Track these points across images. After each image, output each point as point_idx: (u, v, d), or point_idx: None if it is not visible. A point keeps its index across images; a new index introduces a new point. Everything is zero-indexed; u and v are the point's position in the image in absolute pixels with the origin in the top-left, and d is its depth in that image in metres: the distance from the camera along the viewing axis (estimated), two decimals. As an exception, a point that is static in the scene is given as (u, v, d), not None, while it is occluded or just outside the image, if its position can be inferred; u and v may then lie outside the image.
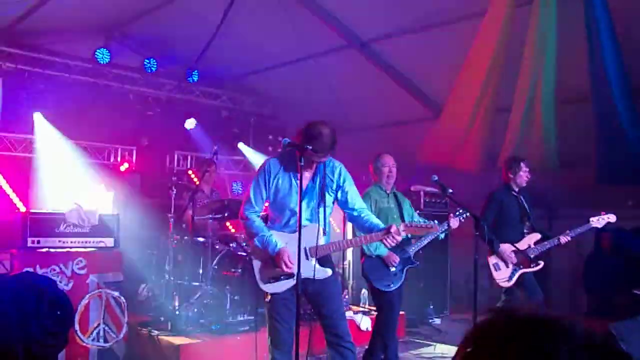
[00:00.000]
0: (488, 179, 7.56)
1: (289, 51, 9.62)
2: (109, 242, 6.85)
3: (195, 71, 10.50)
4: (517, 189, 6.94)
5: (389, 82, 9.42)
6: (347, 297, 8.27)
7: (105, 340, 6.30)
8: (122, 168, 9.97)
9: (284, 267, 4.38)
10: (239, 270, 7.54)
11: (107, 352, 6.33)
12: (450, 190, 5.73)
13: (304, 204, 4.51)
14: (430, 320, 9.42)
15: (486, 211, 6.73)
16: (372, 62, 9.21)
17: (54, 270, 6.18)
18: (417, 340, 8.29)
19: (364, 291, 8.61)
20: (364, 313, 8.10)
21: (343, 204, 4.75)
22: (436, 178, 5.74)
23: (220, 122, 11.62)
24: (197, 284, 7.51)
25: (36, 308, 2.05)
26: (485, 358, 1.19)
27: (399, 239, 4.45)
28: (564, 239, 6.72)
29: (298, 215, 4.25)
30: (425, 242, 6.18)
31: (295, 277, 4.29)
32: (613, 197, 9.25)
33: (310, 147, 4.29)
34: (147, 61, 10.08)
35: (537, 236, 6.89)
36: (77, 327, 6.04)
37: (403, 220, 6.05)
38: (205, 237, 7.69)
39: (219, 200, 8.50)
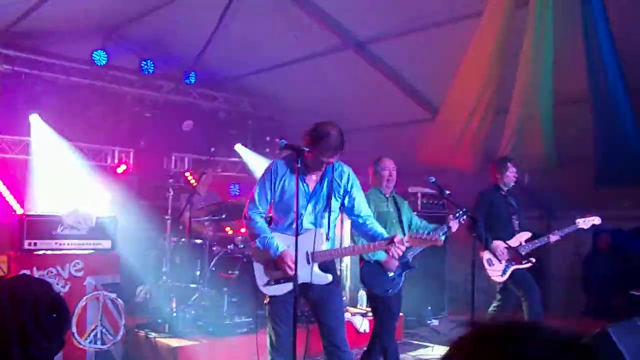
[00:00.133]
0: (486, 180, 7.55)
1: (286, 52, 9.61)
2: (106, 244, 6.85)
3: (193, 73, 10.49)
4: (505, 189, 7.10)
5: (386, 83, 9.41)
6: (344, 299, 8.27)
7: (103, 343, 6.30)
8: (119, 170, 9.94)
9: (287, 270, 4.33)
10: (237, 272, 7.54)
11: (104, 354, 6.33)
12: (448, 192, 5.76)
13: (309, 207, 4.50)
14: (428, 322, 9.43)
15: (476, 210, 6.77)
16: (370, 63, 9.20)
17: (51, 272, 6.18)
18: (415, 342, 8.29)
19: (362, 292, 8.61)
20: (362, 315, 8.09)
21: (349, 210, 4.70)
22: (433, 179, 5.77)
23: (218, 123, 11.60)
24: (194, 285, 7.52)
25: (32, 311, 2.05)
26: None
27: (403, 249, 4.40)
28: (553, 238, 6.89)
29: (295, 217, 4.23)
30: (422, 248, 6.11)
31: (294, 282, 4.26)
32: (611, 198, 9.27)
33: (308, 149, 4.28)
34: (145, 63, 10.06)
35: (527, 234, 7.04)
36: (74, 329, 6.04)
37: (402, 224, 6.06)
38: (203, 239, 7.70)
39: (217, 202, 8.51)
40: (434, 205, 9.76)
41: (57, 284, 6.17)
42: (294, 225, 4.45)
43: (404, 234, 5.98)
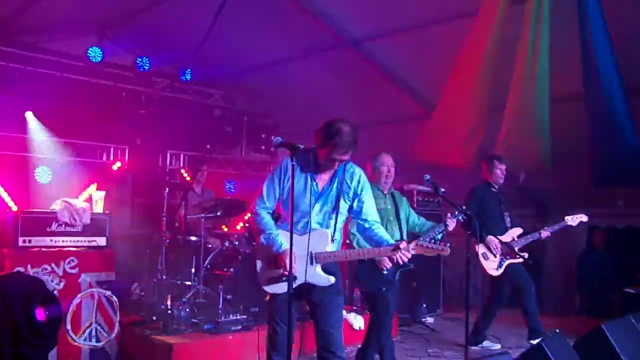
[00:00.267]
0: (481, 177, 7.59)
1: (281, 50, 9.61)
2: (101, 241, 6.83)
3: (188, 70, 10.46)
4: (496, 186, 7.19)
5: (382, 81, 9.42)
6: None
7: (97, 340, 6.29)
8: (115, 167, 9.92)
9: (287, 268, 4.22)
10: (232, 270, 7.53)
11: (99, 352, 6.31)
12: (443, 190, 5.77)
13: (317, 206, 4.44)
14: (423, 319, 9.42)
15: (467, 206, 6.81)
16: (365, 61, 9.20)
17: (46, 269, 6.16)
18: (410, 340, 8.29)
19: (357, 290, 8.61)
20: (357, 312, 8.09)
21: (356, 213, 4.63)
22: (428, 177, 5.77)
23: (213, 120, 11.59)
24: (189, 283, 7.51)
25: (26, 309, 2.05)
26: None
27: (409, 255, 4.34)
28: (544, 234, 7.14)
29: (290, 216, 4.18)
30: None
31: (295, 280, 4.24)
32: (605, 197, 9.31)
33: (303, 146, 4.24)
34: (140, 60, 10.03)
35: (519, 230, 7.24)
36: (69, 326, 6.02)
37: (399, 222, 6.04)
38: (198, 236, 7.68)
39: (212, 199, 8.50)
40: (429, 202, 9.76)
41: (52, 281, 6.15)
42: (300, 224, 4.43)
43: (401, 232, 5.98)
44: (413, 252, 4.38)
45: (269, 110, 11.99)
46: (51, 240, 6.49)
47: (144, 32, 9.65)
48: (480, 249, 6.97)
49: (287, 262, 4.21)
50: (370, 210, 4.62)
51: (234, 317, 7.09)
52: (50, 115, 8.95)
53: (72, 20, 9.01)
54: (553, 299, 10.25)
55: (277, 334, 4.50)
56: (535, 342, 6.72)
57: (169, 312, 6.88)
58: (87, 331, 6.22)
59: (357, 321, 7.81)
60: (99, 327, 6.31)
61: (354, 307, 8.50)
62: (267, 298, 4.54)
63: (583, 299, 10.44)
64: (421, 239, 5.88)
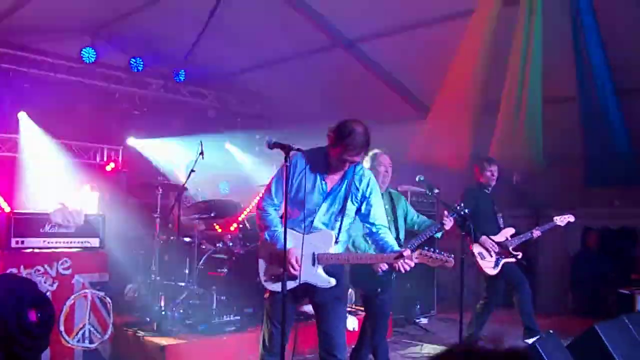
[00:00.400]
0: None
1: (276, 50, 9.61)
2: (94, 242, 6.80)
3: (182, 70, 10.46)
4: (489, 188, 7.23)
5: (376, 82, 9.43)
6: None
7: (91, 341, 6.27)
8: (108, 168, 9.90)
9: (289, 268, 4.21)
10: (225, 270, 7.52)
11: (92, 353, 6.29)
12: (437, 190, 5.77)
13: (323, 206, 4.38)
14: (417, 320, 9.43)
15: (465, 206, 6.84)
16: (359, 62, 9.21)
17: (39, 270, 6.12)
18: (404, 340, 8.29)
19: (351, 291, 8.60)
20: (351, 313, 8.08)
21: (364, 216, 4.54)
22: (422, 178, 5.77)
23: (207, 121, 11.57)
24: (183, 284, 7.49)
25: (17, 310, 2.03)
26: None
27: (412, 264, 4.26)
28: (536, 233, 7.22)
29: (283, 215, 4.18)
30: (417, 244, 5.88)
31: (295, 280, 4.23)
32: (599, 197, 9.33)
33: (297, 147, 4.22)
34: (134, 60, 10.03)
35: (512, 230, 7.28)
36: (62, 327, 6.00)
37: (396, 222, 6.01)
38: (192, 237, 7.66)
39: (205, 200, 8.49)
40: (423, 203, 9.76)
41: (45, 283, 6.11)
42: (305, 223, 4.38)
43: (398, 230, 5.94)
44: (416, 261, 4.31)
45: (263, 110, 11.98)
46: (44, 242, 6.45)
47: (138, 32, 9.63)
48: (476, 248, 7.02)
49: (290, 261, 4.21)
50: (378, 214, 4.54)
51: (228, 318, 7.08)
52: (44, 116, 8.92)
53: (66, 21, 9.00)
54: (547, 299, 10.26)
55: (271, 334, 4.47)
56: (530, 341, 6.74)
57: (163, 313, 6.87)
58: (81, 332, 6.20)
59: (351, 322, 7.80)
60: (92, 329, 6.29)
61: (348, 308, 8.49)
62: (267, 295, 4.49)
63: (577, 300, 10.45)
64: (418, 238, 5.89)
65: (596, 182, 8.31)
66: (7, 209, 7.92)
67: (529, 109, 7.70)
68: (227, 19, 8.37)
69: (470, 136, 8.53)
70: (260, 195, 4.63)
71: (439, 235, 6.05)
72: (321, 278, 4.35)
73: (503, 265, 7.14)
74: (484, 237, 7.07)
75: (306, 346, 6.67)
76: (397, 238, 5.74)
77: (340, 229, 4.43)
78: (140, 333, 6.68)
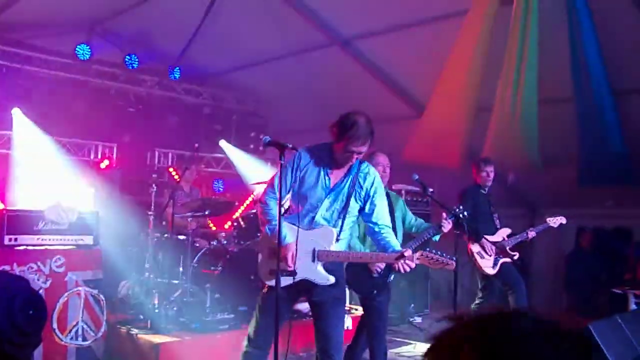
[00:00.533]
0: (470, 178, 7.60)
1: (271, 48, 9.58)
2: (88, 239, 6.76)
3: (177, 68, 10.43)
4: (485, 188, 7.24)
5: (372, 80, 9.42)
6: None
7: (84, 339, 6.24)
8: (103, 165, 9.87)
9: (286, 262, 4.20)
10: (219, 268, 7.51)
11: (85, 351, 6.27)
12: (431, 190, 5.76)
13: (326, 202, 4.35)
14: (411, 319, 9.44)
15: (463, 207, 6.83)
16: (355, 60, 9.19)
17: (32, 268, 6.10)
18: (398, 339, 8.29)
19: (346, 289, 8.59)
20: (346, 312, 8.08)
21: (367, 216, 4.50)
22: (417, 177, 5.75)
23: (202, 119, 11.55)
24: (177, 282, 7.48)
25: (8, 307, 2.02)
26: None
27: (412, 265, 4.23)
28: (531, 234, 7.26)
29: (278, 211, 4.17)
30: (415, 245, 5.74)
31: (294, 275, 4.22)
32: (594, 197, 9.35)
33: (292, 146, 4.21)
34: (129, 57, 9.99)
35: (508, 230, 7.33)
36: (55, 325, 5.98)
37: (394, 222, 5.96)
38: (186, 235, 7.66)
39: (200, 198, 8.48)
40: (417, 202, 9.77)
41: (38, 280, 6.09)
42: (306, 219, 4.37)
43: (395, 232, 5.88)
44: (417, 262, 4.26)
45: (258, 108, 11.97)
46: (38, 239, 6.42)
47: (133, 29, 9.61)
48: (475, 248, 7.05)
49: (288, 257, 4.20)
50: (381, 214, 4.51)
51: (222, 316, 7.08)
52: (38, 113, 8.89)
53: (61, 17, 8.96)
54: (541, 298, 10.28)
55: (259, 328, 4.44)
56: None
57: (157, 311, 6.86)
58: (74, 330, 6.17)
59: (346, 320, 7.80)
60: (85, 326, 6.27)
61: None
62: (265, 290, 4.44)
63: (571, 299, 10.47)
64: (416, 240, 5.85)
65: (590, 181, 8.32)
66: (0, 206, 7.90)
67: (525, 109, 7.71)
68: (223, 17, 8.36)
69: (465, 135, 8.53)
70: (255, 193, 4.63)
71: (436, 238, 6.00)
72: (320, 275, 4.33)
73: (500, 265, 7.17)
74: (484, 238, 7.08)
75: (300, 345, 6.68)
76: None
77: (342, 226, 4.40)
78: (134, 331, 6.68)
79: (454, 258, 4.38)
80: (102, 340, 6.42)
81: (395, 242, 4.45)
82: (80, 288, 6.32)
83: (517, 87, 7.61)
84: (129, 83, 10.46)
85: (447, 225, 5.79)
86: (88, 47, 9.38)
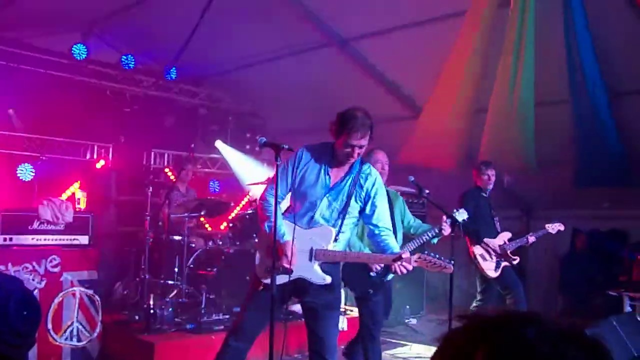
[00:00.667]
0: (467, 179, 7.60)
1: (268, 48, 9.56)
2: (83, 239, 6.76)
3: (173, 68, 10.41)
4: (486, 191, 7.25)
5: (369, 81, 9.41)
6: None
7: (79, 339, 6.24)
8: (98, 165, 9.84)
9: (283, 259, 4.17)
10: (215, 269, 7.51)
11: (80, 351, 6.27)
12: (427, 191, 5.75)
13: (325, 200, 4.33)
14: (407, 321, 9.44)
15: (465, 209, 6.80)
16: (353, 61, 9.19)
17: (27, 268, 6.09)
18: (394, 341, 8.29)
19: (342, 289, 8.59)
20: (341, 313, 8.08)
21: (368, 217, 4.47)
22: (412, 179, 5.75)
23: (199, 119, 11.54)
24: (172, 282, 7.48)
25: (2, 308, 2.01)
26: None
27: (410, 267, 4.19)
28: (531, 239, 7.31)
29: (275, 210, 4.15)
30: (413, 247, 5.80)
31: (290, 274, 4.19)
32: (590, 198, 9.36)
33: (287, 147, 4.20)
34: (125, 57, 9.97)
35: (509, 234, 7.35)
36: (50, 325, 5.97)
37: (393, 222, 5.92)
38: (182, 236, 7.65)
39: (196, 199, 8.47)
40: (414, 204, 9.77)
41: (33, 280, 6.09)
42: (305, 217, 4.35)
43: (395, 232, 5.85)
44: (415, 264, 4.23)
45: (255, 109, 11.96)
46: (33, 239, 6.41)
47: (130, 29, 9.59)
48: (477, 250, 7.06)
49: (286, 254, 4.17)
50: (382, 216, 4.48)
51: (217, 317, 7.08)
52: (34, 113, 8.86)
53: (57, 17, 8.94)
54: (536, 301, 10.28)
55: (244, 321, 4.44)
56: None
57: (152, 311, 6.85)
58: (69, 330, 6.17)
59: (341, 322, 7.80)
60: (80, 327, 6.26)
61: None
62: (260, 288, 4.39)
63: (566, 301, 10.48)
64: (414, 241, 5.83)
65: (587, 183, 8.34)
66: (-4, 206, 7.88)
67: (521, 110, 7.71)
68: (219, 17, 8.34)
69: (462, 137, 8.54)
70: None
71: (435, 240, 5.96)
72: (316, 274, 4.31)
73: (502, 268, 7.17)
74: (487, 240, 7.11)
75: (294, 347, 6.67)
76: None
77: (341, 226, 4.38)
78: (129, 331, 6.67)
79: (452, 262, 4.37)
80: (97, 341, 6.41)
81: (394, 245, 4.43)
82: (75, 288, 6.32)
83: (514, 89, 7.61)
84: (125, 83, 10.43)
85: (447, 229, 5.76)
86: (84, 47, 9.36)
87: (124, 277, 8.14)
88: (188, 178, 9.12)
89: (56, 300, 6.12)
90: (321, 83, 9.78)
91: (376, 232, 4.47)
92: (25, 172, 8.74)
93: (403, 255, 4.17)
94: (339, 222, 4.37)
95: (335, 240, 4.35)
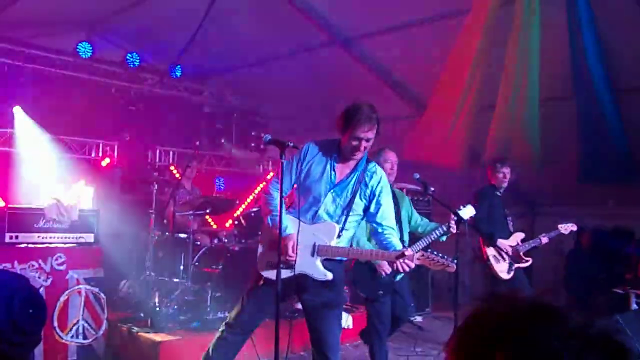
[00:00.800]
0: (471, 177, 7.58)
1: (273, 47, 9.58)
2: (88, 237, 6.76)
3: (178, 66, 10.43)
4: (501, 190, 7.07)
5: (373, 79, 9.41)
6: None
7: (85, 337, 6.25)
8: (104, 163, 9.87)
9: (286, 253, 4.15)
10: (220, 267, 7.51)
11: (86, 349, 6.27)
12: (432, 189, 5.70)
13: (329, 196, 4.31)
14: (412, 318, 9.42)
15: (478, 209, 6.70)
16: (357, 59, 9.19)
17: (33, 266, 6.11)
18: (399, 339, 8.28)
19: (346, 288, 8.58)
20: (346, 311, 8.07)
21: (372, 215, 4.44)
22: (418, 176, 5.70)
23: (203, 117, 11.55)
24: (177, 280, 7.48)
25: (7, 306, 2.01)
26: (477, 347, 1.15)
27: (412, 265, 4.16)
28: (544, 240, 7.07)
29: (278, 205, 4.14)
30: (421, 246, 5.58)
31: (292, 268, 4.18)
32: (595, 195, 9.34)
33: (292, 144, 4.19)
34: (130, 55, 10.00)
35: (522, 235, 7.12)
36: (55, 323, 5.98)
37: (400, 222, 5.88)
38: (187, 233, 7.66)
39: (201, 197, 8.48)
40: (419, 202, 9.75)
41: (39, 278, 6.10)
42: (309, 213, 4.34)
43: (402, 232, 5.79)
44: (418, 262, 4.22)
45: (259, 107, 11.97)
46: (39, 237, 6.42)
47: (135, 27, 9.61)
48: (490, 251, 6.84)
49: (289, 248, 4.16)
50: (387, 214, 4.45)
51: (222, 315, 7.07)
52: (39, 111, 8.88)
53: (62, 15, 8.96)
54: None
55: (241, 313, 4.43)
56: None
57: (157, 309, 6.86)
58: (75, 328, 6.18)
59: (347, 320, 7.80)
60: (86, 324, 6.27)
61: (344, 306, 8.48)
62: (261, 283, 4.39)
63: (570, 299, 10.45)
64: (423, 240, 5.76)
65: (591, 179, 8.31)
66: (1, 204, 7.90)
67: (526, 108, 7.69)
68: (224, 15, 8.35)
69: (466, 135, 8.52)
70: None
71: (444, 238, 5.83)
72: (318, 270, 4.30)
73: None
74: (500, 241, 6.89)
75: (300, 344, 6.66)
76: (401, 239, 5.60)
77: (345, 223, 4.36)
78: (135, 329, 6.68)
79: (455, 260, 4.34)
80: (102, 339, 6.42)
81: (397, 243, 4.39)
82: (81, 286, 6.33)
83: (519, 87, 7.60)
84: (130, 81, 10.46)
85: (454, 227, 5.70)
86: (90, 45, 9.39)
87: (129, 275, 8.14)
88: (193, 175, 9.13)
89: (62, 298, 6.13)
90: (325, 81, 9.78)
91: (380, 230, 4.45)
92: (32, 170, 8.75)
93: (406, 253, 4.14)
94: (343, 218, 4.35)
95: (338, 236, 4.33)
